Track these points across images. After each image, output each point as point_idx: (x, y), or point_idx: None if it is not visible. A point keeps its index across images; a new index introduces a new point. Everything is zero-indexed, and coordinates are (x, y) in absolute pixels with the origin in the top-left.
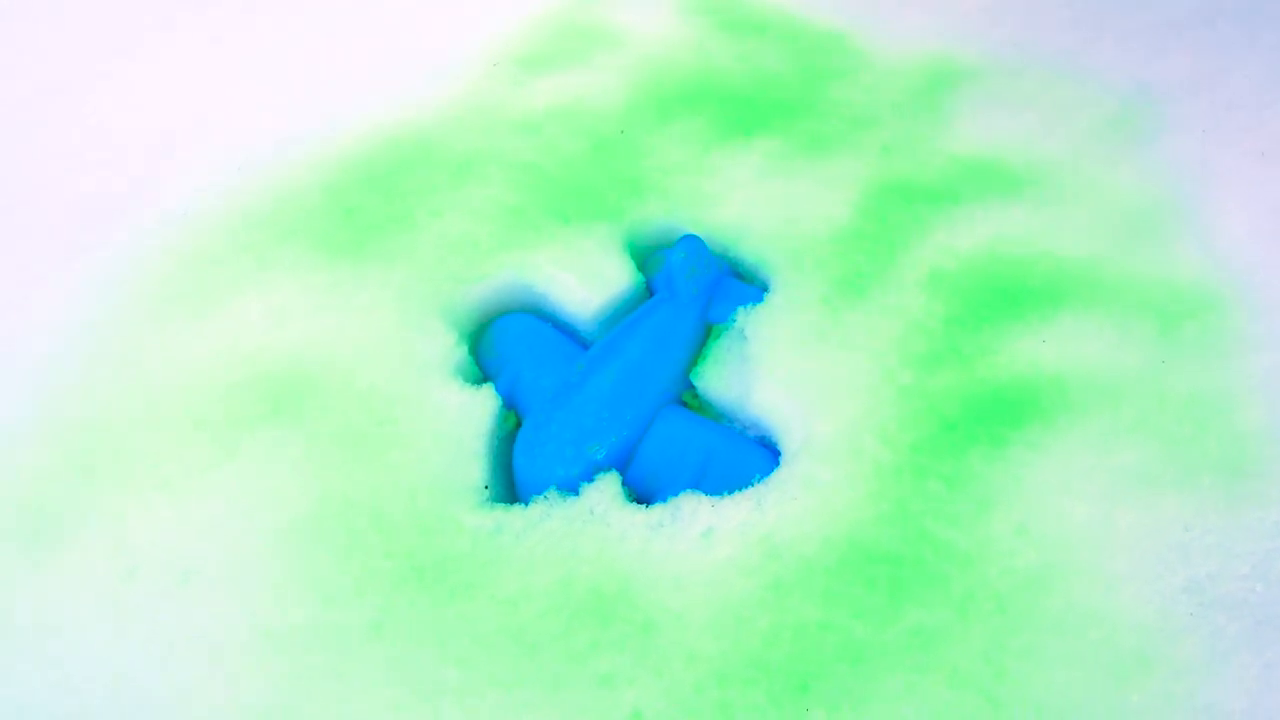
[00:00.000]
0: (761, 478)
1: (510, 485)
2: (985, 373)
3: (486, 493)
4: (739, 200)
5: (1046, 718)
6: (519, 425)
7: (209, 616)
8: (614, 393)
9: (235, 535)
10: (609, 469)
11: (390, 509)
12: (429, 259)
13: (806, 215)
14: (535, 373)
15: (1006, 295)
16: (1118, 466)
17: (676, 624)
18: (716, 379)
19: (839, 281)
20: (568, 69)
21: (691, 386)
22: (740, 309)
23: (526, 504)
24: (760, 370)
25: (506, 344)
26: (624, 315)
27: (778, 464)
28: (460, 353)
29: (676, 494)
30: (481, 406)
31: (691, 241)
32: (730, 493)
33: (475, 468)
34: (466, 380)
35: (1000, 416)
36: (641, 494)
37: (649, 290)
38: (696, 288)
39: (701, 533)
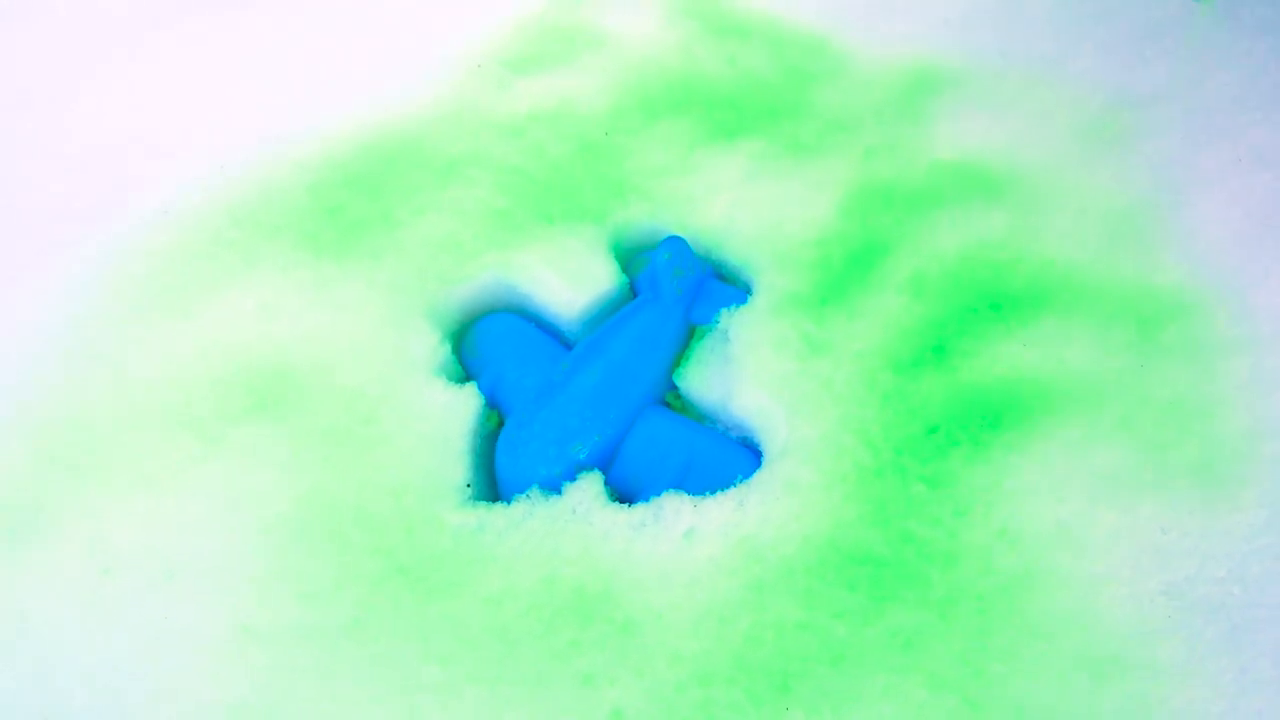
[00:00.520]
0: (744, 479)
1: (493, 484)
2: (967, 376)
3: (469, 491)
4: (723, 202)
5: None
6: (502, 424)
7: (190, 613)
8: (597, 392)
9: (217, 532)
10: (591, 468)
11: (373, 507)
12: (414, 258)
13: (790, 218)
14: (518, 372)
15: (988, 299)
16: (1097, 469)
17: (658, 623)
18: (699, 380)
19: (822, 284)
20: (552, 71)
21: (674, 387)
22: (723, 310)
23: (509, 503)
24: (743, 372)
25: (490, 343)
26: (608, 316)
27: (760, 465)
28: (444, 352)
29: (659, 494)
30: (464, 405)
31: (675, 243)
32: (712, 493)
33: (458, 466)
34: (450, 379)
35: (982, 419)
36: (624, 494)
37: (633, 291)
38: (680, 289)
39: (684, 533)
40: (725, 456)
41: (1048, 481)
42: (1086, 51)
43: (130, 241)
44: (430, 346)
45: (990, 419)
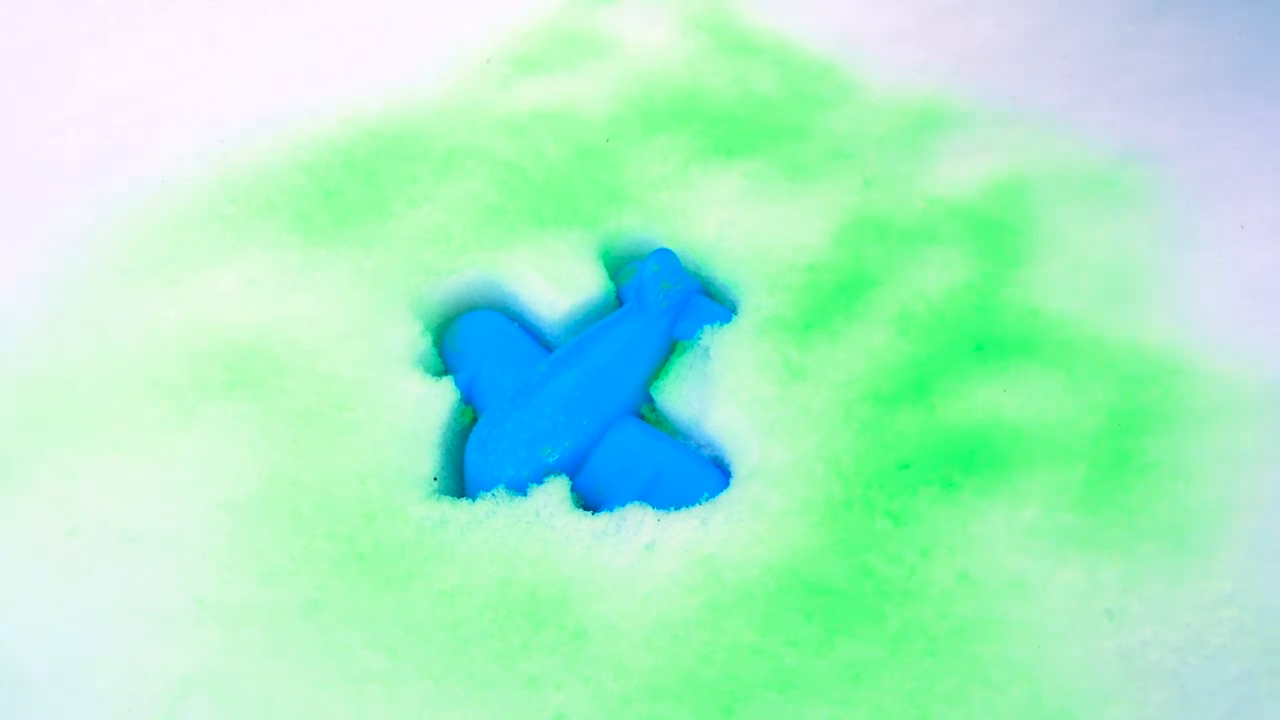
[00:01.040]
0: (710, 497)
1: (460, 480)
2: (945, 416)
3: (435, 485)
4: (716, 219)
5: None
6: (475, 421)
7: (148, 581)
8: (572, 398)
9: (182, 503)
10: (559, 473)
11: (338, 492)
12: (403, 248)
13: (782, 241)
14: (496, 370)
15: (973, 340)
16: (1063, 525)
17: (610, 634)
18: (676, 395)
19: (808, 310)
20: (559, 74)
21: (650, 400)
22: (707, 327)
23: (474, 500)
24: (720, 390)
25: (471, 339)
26: (591, 322)
27: (728, 485)
28: (424, 344)
29: (624, 504)
30: (439, 399)
31: (664, 255)
32: (677, 509)
33: (427, 459)
34: (428, 372)
35: (954, 461)
36: (589, 501)
37: (618, 300)
38: (666, 301)
39: (645, 546)
40: (694, 473)
41: (1013, 531)
42: (1099, 103)
43: (125, 207)
44: (411, 338)
45: (963, 461)
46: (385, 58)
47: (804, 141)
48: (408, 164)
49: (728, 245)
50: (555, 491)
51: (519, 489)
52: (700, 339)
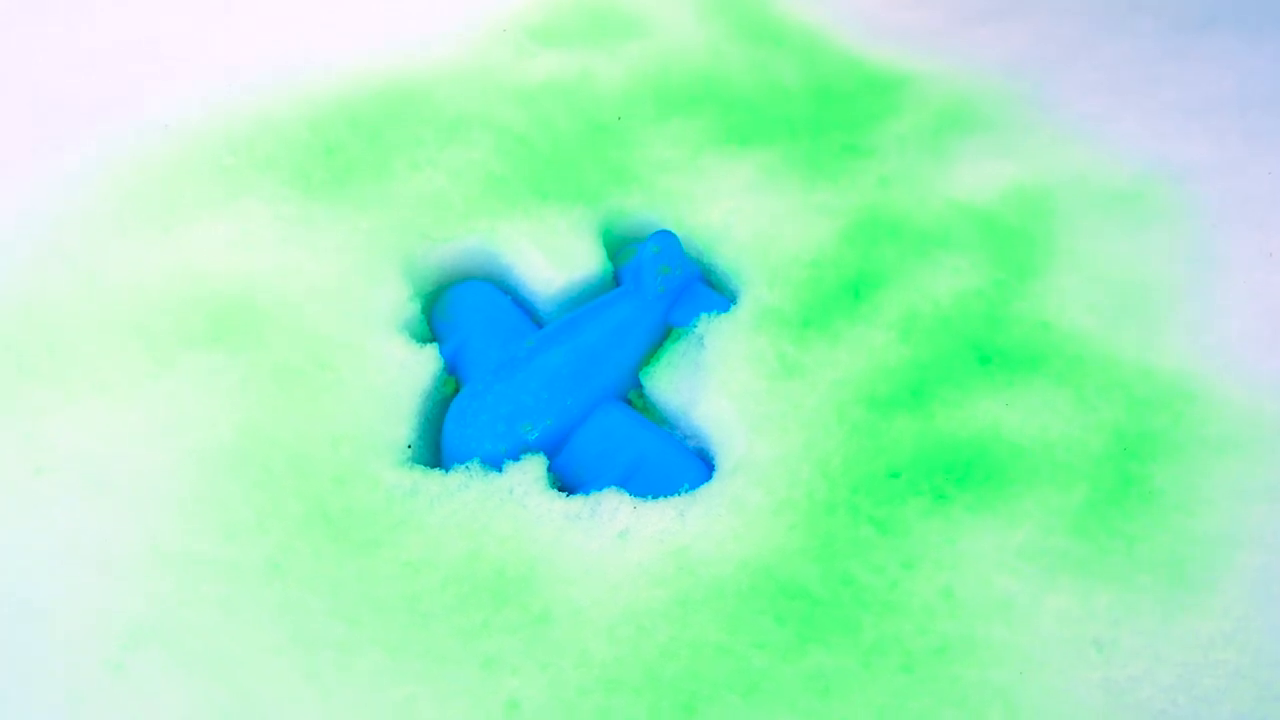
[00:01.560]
0: (691, 488)
1: (436, 450)
2: (942, 425)
3: (409, 452)
4: (723, 207)
5: None
6: (457, 392)
7: (109, 526)
8: (558, 376)
9: (152, 451)
10: (538, 451)
11: (310, 452)
12: (401, 211)
13: (789, 234)
14: (483, 342)
15: (978, 350)
16: (1057, 548)
17: (574, 620)
18: (665, 382)
19: (809, 306)
20: (575, 47)
21: (639, 385)
22: (703, 315)
23: (447, 471)
24: (711, 380)
25: (460, 309)
26: (586, 301)
27: (710, 478)
28: (413, 309)
29: (601, 489)
30: (422, 366)
31: (666, 237)
32: (655, 497)
33: (404, 426)
34: (414, 338)
35: (948, 473)
36: (566, 483)
37: (615, 281)
38: (664, 285)
39: (618, 533)
40: (676, 463)
41: (1003, 550)
42: (1130, 117)
43: (124, 150)
44: (399, 302)
45: (957, 473)
46: (401, 18)
47: (822, 135)
48: (413, 126)
49: (732, 234)
50: (531, 470)
51: (495, 464)
52: (695, 327)
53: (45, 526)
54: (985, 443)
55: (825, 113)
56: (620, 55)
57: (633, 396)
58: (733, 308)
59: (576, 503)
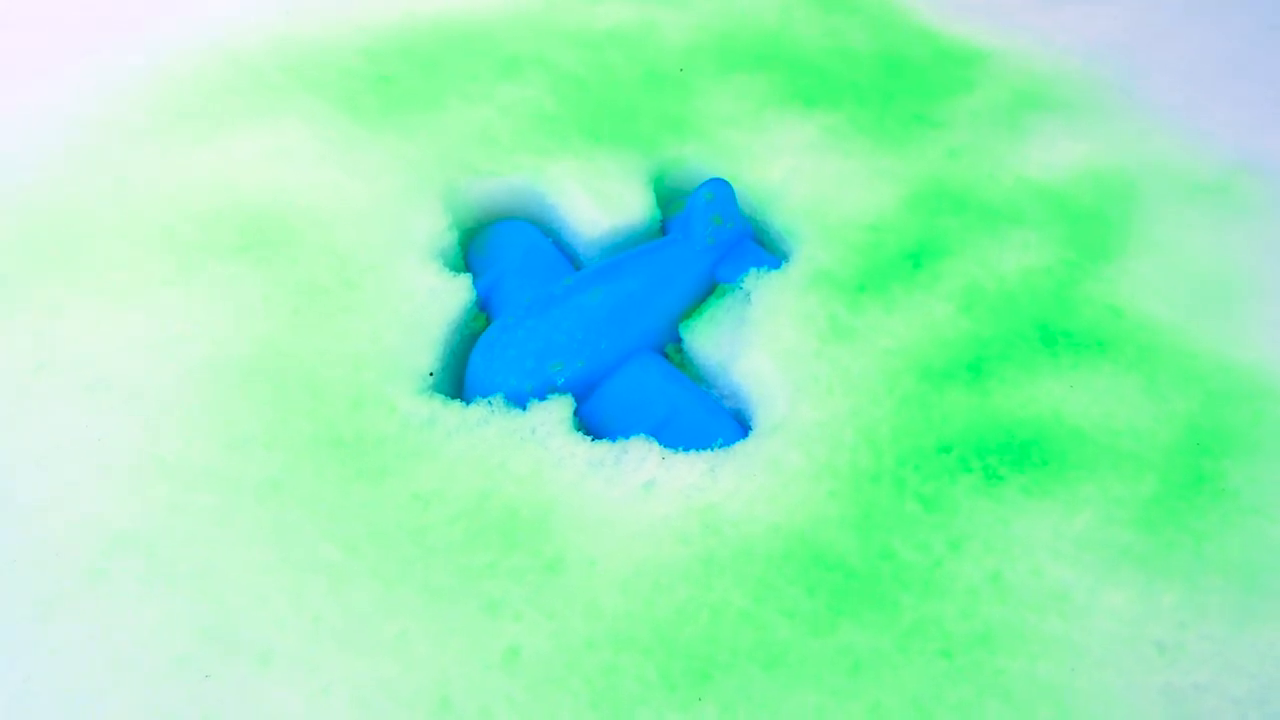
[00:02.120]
0: (724, 444)
1: (459, 384)
2: (999, 403)
3: (430, 380)
4: (783, 166)
5: None
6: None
7: (107, 429)
8: (594, 317)
9: (161, 356)
10: (566, 393)
11: (327, 372)
12: (447, 142)
13: (849, 197)
14: (519, 280)
15: (1042, 330)
16: (1119, 541)
17: (586, 570)
18: (706, 337)
19: (865, 270)
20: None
21: (678, 339)
22: (752, 270)
23: (468, 403)
24: (755, 337)
25: (500, 246)
26: (630, 249)
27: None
28: (450, 239)
29: (628, 439)
30: (453, 296)
31: (720, 185)
32: (686, 450)
33: (427, 354)
34: (448, 268)
35: (1003, 452)
36: (591, 430)
37: (663, 232)
38: (713, 238)
39: (643, 483)
40: (711, 422)
41: (1060, 538)
42: (1217, 108)
43: (173, 59)
44: (436, 230)
45: (1013, 454)
46: None
47: (891, 103)
48: (469, 61)
49: (790, 191)
50: (557, 410)
51: (519, 401)
52: (742, 284)
53: (39, 424)
54: (1045, 425)
55: (896, 81)
56: (688, 8)
57: (670, 351)
58: (784, 266)
59: (601, 448)
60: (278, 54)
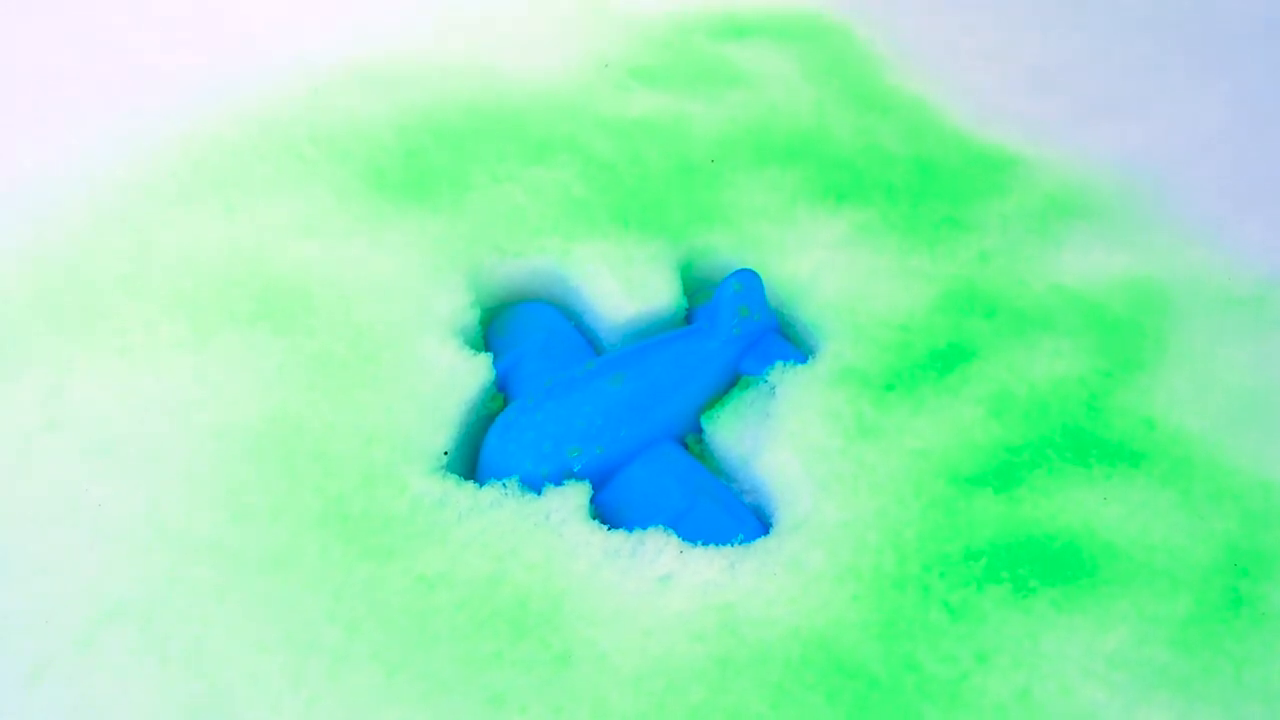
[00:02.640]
0: (744, 541)
1: (473, 466)
2: (1030, 512)
3: (444, 460)
4: (812, 260)
5: None
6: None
7: (112, 493)
8: (615, 403)
9: (171, 421)
10: (583, 479)
11: (339, 447)
12: (474, 220)
13: (879, 295)
14: (540, 362)
15: (1075, 439)
16: (1155, 660)
17: (597, 665)
18: (728, 429)
19: (893, 369)
20: (677, 91)
21: (699, 429)
22: (778, 364)
23: (482, 485)
24: (780, 431)
25: (521, 328)
26: (653, 336)
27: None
28: (471, 317)
29: (644, 530)
30: (472, 375)
31: (749, 276)
32: (705, 544)
33: (443, 433)
34: (467, 346)
35: (1034, 563)
36: (607, 520)
37: (688, 321)
38: (739, 329)
39: (659, 577)
40: (730, 517)
41: (1092, 655)
42: (1255, 221)
43: (202, 125)
44: (458, 308)
45: (1044, 566)
46: (503, 42)
47: (923, 204)
48: (499, 141)
49: (819, 287)
50: (573, 497)
51: (534, 486)
52: (768, 376)
53: (41, 483)
54: (1077, 537)
55: (928, 183)
56: (721, 102)
57: (690, 441)
58: (810, 361)
59: (617, 538)
60: (309, 125)
